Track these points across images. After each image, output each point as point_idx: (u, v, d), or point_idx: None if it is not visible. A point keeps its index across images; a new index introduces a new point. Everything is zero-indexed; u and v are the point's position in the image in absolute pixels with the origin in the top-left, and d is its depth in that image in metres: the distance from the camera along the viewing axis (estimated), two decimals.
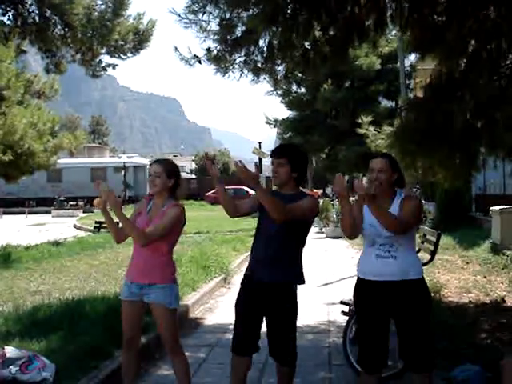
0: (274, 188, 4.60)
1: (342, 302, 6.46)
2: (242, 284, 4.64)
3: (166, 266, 4.56)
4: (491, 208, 14.78)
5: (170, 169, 4.58)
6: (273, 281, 4.37)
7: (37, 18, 15.08)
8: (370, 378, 4.40)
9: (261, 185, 4.20)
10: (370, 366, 4.37)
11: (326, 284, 10.88)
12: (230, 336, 7.18)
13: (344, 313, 6.35)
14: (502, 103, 6.91)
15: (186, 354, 4.78)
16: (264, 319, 4.52)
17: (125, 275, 4.70)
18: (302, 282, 4.54)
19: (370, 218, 4.23)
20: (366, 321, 4.38)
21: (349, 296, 6.54)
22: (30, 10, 15.14)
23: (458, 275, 10.98)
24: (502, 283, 10.02)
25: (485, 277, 10.69)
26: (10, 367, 4.80)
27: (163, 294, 4.46)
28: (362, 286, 4.39)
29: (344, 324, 6.09)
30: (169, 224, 4.42)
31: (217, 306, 9.38)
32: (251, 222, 17.71)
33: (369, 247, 4.31)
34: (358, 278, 4.43)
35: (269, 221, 4.26)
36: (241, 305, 4.55)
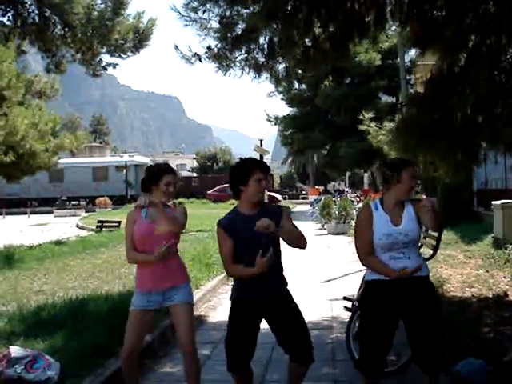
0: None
1: (345, 298, 6.48)
2: (234, 308, 4.59)
3: (181, 265, 4.71)
4: (493, 202, 14.78)
5: (178, 177, 4.75)
6: (276, 289, 4.42)
7: (36, 18, 15.08)
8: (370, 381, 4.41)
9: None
10: (371, 370, 4.37)
11: (329, 280, 10.89)
12: None
13: (347, 308, 6.37)
14: (502, 98, 6.92)
15: None
16: (273, 329, 4.51)
17: (137, 286, 4.64)
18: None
19: (385, 228, 4.22)
20: (374, 323, 4.32)
21: (352, 292, 6.57)
22: (30, 10, 15.14)
23: (460, 270, 10.99)
24: (504, 277, 10.02)
25: (487, 271, 10.70)
26: (15, 366, 4.82)
27: (188, 292, 4.62)
28: (375, 286, 4.34)
29: (347, 320, 6.11)
30: (185, 220, 4.64)
31: (220, 303, 9.39)
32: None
33: (383, 253, 4.24)
34: (369, 281, 4.39)
35: (258, 244, 4.22)
36: (241, 328, 4.51)
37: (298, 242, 4.35)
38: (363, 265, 4.41)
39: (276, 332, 4.48)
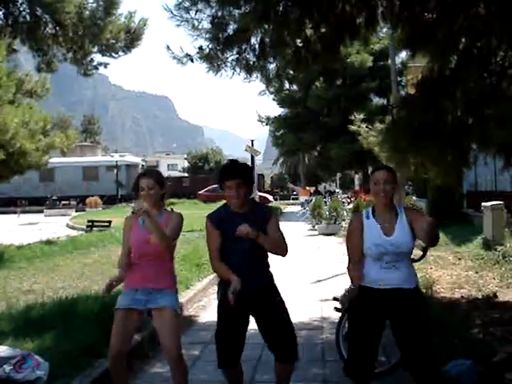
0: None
1: (335, 299, 6.48)
2: (223, 301, 4.51)
3: (171, 273, 4.67)
4: (483, 204, 14.83)
5: (160, 179, 4.64)
6: (260, 286, 4.46)
7: (28, 17, 15.03)
8: None
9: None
10: (359, 375, 4.37)
11: (319, 281, 10.90)
12: None
13: (337, 309, 6.38)
14: (492, 100, 6.95)
15: None
16: (258, 326, 4.56)
17: (124, 286, 4.63)
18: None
19: (375, 238, 4.22)
20: (360, 329, 4.34)
21: (342, 292, 6.58)
22: (21, 9, 15.09)
23: (450, 271, 11.03)
24: (493, 278, 10.07)
25: (477, 272, 10.74)
26: (4, 366, 4.79)
27: (172, 298, 4.54)
28: (364, 294, 4.33)
29: (337, 320, 6.12)
30: (179, 229, 4.59)
31: (210, 303, 9.38)
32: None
33: (373, 261, 4.25)
34: (360, 286, 4.37)
35: (242, 241, 4.31)
36: (230, 323, 4.53)
37: (278, 250, 4.46)
38: (349, 275, 4.44)
39: (261, 328, 4.52)
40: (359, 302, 4.39)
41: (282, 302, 4.56)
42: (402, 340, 4.28)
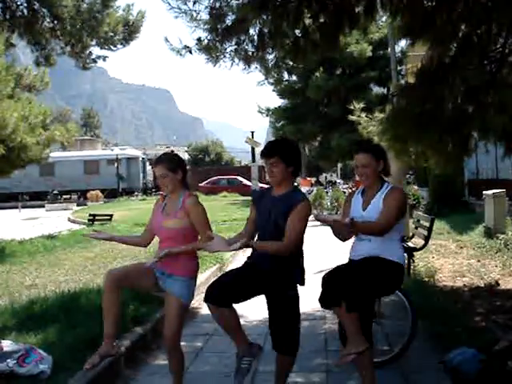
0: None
1: None
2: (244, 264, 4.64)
3: (188, 259, 4.55)
4: (484, 192, 14.83)
5: (173, 164, 4.51)
6: (274, 268, 4.38)
7: (25, 11, 14.97)
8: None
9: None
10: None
11: (322, 271, 10.85)
12: None
13: None
14: (492, 87, 6.92)
15: (183, 343, 4.80)
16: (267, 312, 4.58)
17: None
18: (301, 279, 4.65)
19: (354, 211, 4.60)
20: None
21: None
22: (19, 3, 15.02)
23: (452, 259, 11.03)
24: (495, 267, 10.07)
25: (479, 261, 10.74)
26: (8, 360, 4.81)
27: (179, 286, 4.47)
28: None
29: None
30: (206, 218, 4.52)
31: None
32: (245, 212, 17.72)
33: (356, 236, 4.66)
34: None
35: (264, 219, 4.44)
36: (237, 269, 4.65)
37: (278, 253, 4.35)
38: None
39: (269, 312, 4.56)
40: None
41: (296, 297, 4.54)
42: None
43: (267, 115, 41.99)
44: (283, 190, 4.42)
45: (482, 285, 8.63)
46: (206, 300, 4.35)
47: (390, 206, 4.44)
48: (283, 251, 4.29)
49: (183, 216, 4.43)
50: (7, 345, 5.02)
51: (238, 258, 11.76)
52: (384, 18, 18.56)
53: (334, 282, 4.53)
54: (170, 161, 4.53)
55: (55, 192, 45.28)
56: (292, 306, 4.51)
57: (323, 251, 13.88)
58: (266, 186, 45.45)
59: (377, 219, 4.44)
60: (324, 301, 4.60)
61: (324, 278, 4.64)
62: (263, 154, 4.42)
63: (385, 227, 4.41)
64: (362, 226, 4.44)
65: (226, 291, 4.28)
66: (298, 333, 4.56)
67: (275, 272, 4.37)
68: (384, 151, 4.70)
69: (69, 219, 28.50)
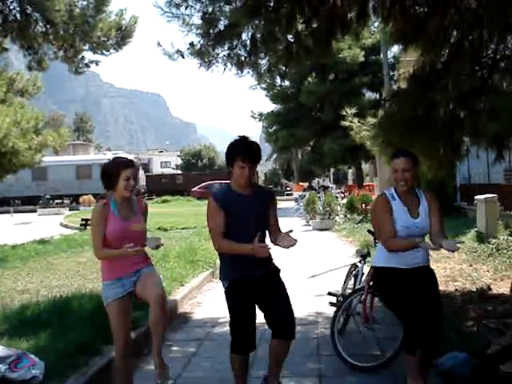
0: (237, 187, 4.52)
1: (330, 294, 6.50)
2: (233, 289, 4.54)
3: (146, 253, 4.75)
4: (476, 197, 14.87)
5: (138, 168, 4.80)
6: (266, 270, 4.52)
7: (18, 16, 14.93)
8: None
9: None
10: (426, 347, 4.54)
11: (314, 276, 10.92)
12: (219, 330, 7.25)
13: (332, 304, 6.40)
14: (484, 93, 6.96)
15: (175, 348, 4.81)
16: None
17: (106, 278, 4.64)
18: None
19: (404, 220, 4.43)
20: (409, 306, 4.50)
21: (336, 287, 6.59)
22: (11, 8, 14.97)
23: (444, 264, 11.06)
24: (487, 271, 10.11)
25: (471, 265, 10.78)
26: (0, 366, 4.79)
27: (153, 268, 4.75)
28: (389, 275, 4.57)
29: (332, 315, 6.14)
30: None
31: (205, 300, 9.39)
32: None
33: None
34: (382, 268, 4.64)
35: (244, 217, 4.41)
36: (240, 309, 4.54)
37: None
38: (388, 250, 4.52)
39: (262, 307, 4.56)
40: (393, 284, 4.58)
41: (282, 282, 4.64)
42: (426, 314, 4.45)
43: (260, 120, 42.07)
44: (250, 188, 4.51)
45: (474, 289, 8.65)
46: (238, 352, 4.56)
47: (440, 212, 4.56)
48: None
49: (142, 218, 4.67)
50: None
51: None
52: (376, 24, 18.67)
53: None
54: (135, 165, 4.65)
55: (47, 197, 45.13)
56: (283, 288, 4.63)
57: (315, 257, 13.90)
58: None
59: (438, 230, 4.49)
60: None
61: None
62: (248, 157, 4.37)
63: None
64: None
65: (252, 336, 4.55)
66: (294, 314, 4.68)
67: (266, 272, 4.51)
68: (418, 158, 4.72)
69: (61, 224, 28.42)
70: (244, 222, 4.39)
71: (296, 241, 4.29)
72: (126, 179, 4.47)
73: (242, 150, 4.40)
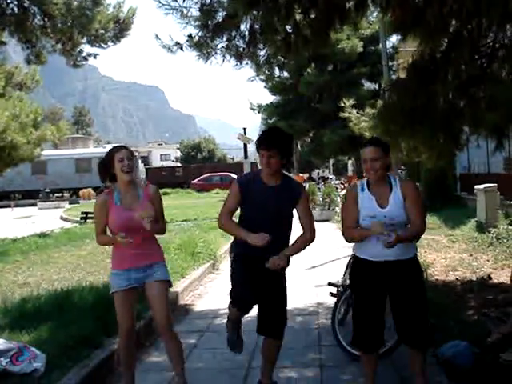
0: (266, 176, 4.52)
1: (330, 284, 6.50)
2: (237, 258, 4.57)
3: (159, 245, 4.77)
4: (476, 187, 14.87)
5: (132, 151, 4.69)
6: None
7: (16, 9, 14.89)
8: (370, 357, 4.52)
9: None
10: (367, 346, 4.49)
11: (314, 267, 10.93)
12: (220, 321, 7.27)
13: (332, 294, 6.40)
14: (483, 82, 6.94)
15: None
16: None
17: (115, 267, 4.65)
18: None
19: (370, 210, 4.29)
20: (364, 300, 4.45)
21: (337, 278, 6.59)
22: (9, 1, 14.94)
23: (444, 254, 11.07)
24: (487, 260, 10.12)
25: (471, 255, 10.79)
26: (1, 359, 4.80)
27: (164, 270, 4.66)
28: (362, 266, 4.45)
29: (332, 305, 6.14)
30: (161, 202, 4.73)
31: (206, 291, 9.41)
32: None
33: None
34: (357, 258, 4.49)
35: (260, 207, 4.41)
36: (243, 272, 4.52)
37: (306, 244, 4.62)
38: (346, 240, 4.49)
39: (258, 294, 4.52)
40: (360, 276, 4.48)
41: (284, 278, 4.66)
42: (399, 308, 4.38)
43: (259, 112, 41.97)
44: (278, 180, 4.51)
45: (475, 279, 8.67)
46: (234, 306, 4.58)
47: (418, 202, 4.34)
48: (310, 242, 4.62)
49: (149, 205, 4.55)
50: (0, 343, 5.01)
51: None
52: (375, 14, 18.62)
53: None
54: (131, 149, 4.69)
55: (47, 190, 45.16)
56: (285, 291, 4.66)
57: (315, 247, 13.89)
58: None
59: (413, 220, 4.26)
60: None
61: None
62: (263, 144, 4.41)
63: (424, 227, 4.33)
64: (407, 236, 4.22)
65: (249, 297, 4.49)
66: (285, 316, 4.71)
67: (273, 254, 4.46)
68: (389, 146, 4.63)
69: (61, 217, 28.44)
70: (260, 211, 4.40)
71: (283, 264, 4.36)
72: (120, 161, 4.50)
73: (260, 138, 4.50)
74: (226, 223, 4.51)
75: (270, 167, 4.40)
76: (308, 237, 4.56)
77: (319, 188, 24.16)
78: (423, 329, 4.35)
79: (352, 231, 4.37)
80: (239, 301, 4.52)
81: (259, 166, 4.54)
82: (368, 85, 38.15)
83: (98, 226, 4.67)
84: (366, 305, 4.42)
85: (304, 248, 4.59)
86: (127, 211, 4.49)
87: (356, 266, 4.55)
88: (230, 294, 4.57)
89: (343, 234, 4.48)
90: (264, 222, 4.37)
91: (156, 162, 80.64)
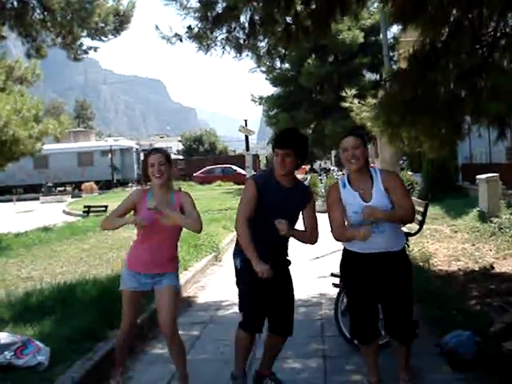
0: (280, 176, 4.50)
1: (333, 275, 6.50)
2: (246, 264, 4.48)
3: (176, 261, 4.79)
4: (477, 176, 14.85)
5: (169, 156, 4.67)
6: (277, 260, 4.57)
7: (15, 3, 14.86)
8: (369, 348, 4.55)
9: None
10: (364, 337, 4.52)
11: (317, 258, 10.93)
12: (222, 313, 7.29)
13: (335, 285, 6.40)
14: (484, 71, 6.92)
15: (180, 332, 4.82)
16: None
17: (128, 266, 4.68)
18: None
19: (354, 206, 4.31)
20: (355, 292, 4.49)
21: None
22: None
23: (446, 244, 11.06)
24: (490, 250, 10.11)
25: (473, 245, 10.78)
26: (5, 353, 4.81)
27: (175, 278, 4.69)
28: (349, 258, 4.49)
29: (335, 296, 6.16)
30: (195, 209, 4.66)
31: (209, 283, 9.42)
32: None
33: (357, 226, 4.27)
34: (347, 251, 4.52)
35: (275, 208, 4.40)
36: (253, 284, 4.45)
37: (307, 242, 4.69)
38: (335, 239, 4.51)
39: (267, 295, 4.52)
40: (349, 268, 4.52)
41: (291, 279, 4.71)
42: (387, 302, 4.42)
43: (260, 104, 41.86)
44: (291, 182, 4.55)
45: (477, 268, 8.67)
46: (247, 330, 4.56)
47: (402, 189, 4.37)
48: (311, 242, 4.71)
49: (178, 212, 4.55)
50: (4, 337, 5.02)
51: (233, 247, 11.77)
52: (375, 4, 18.53)
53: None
54: (167, 153, 4.71)
55: (49, 184, 45.18)
56: (290, 287, 4.69)
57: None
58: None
59: (399, 206, 4.25)
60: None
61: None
62: (279, 143, 4.42)
63: (412, 211, 4.35)
64: (393, 213, 4.22)
65: (262, 316, 4.55)
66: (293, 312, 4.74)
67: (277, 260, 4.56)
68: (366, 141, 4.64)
69: (64, 211, 28.46)
70: (272, 209, 4.38)
71: (286, 232, 4.34)
72: (151, 166, 4.54)
73: (276, 137, 4.56)
74: (243, 233, 4.43)
75: (284, 166, 4.40)
76: (311, 237, 4.63)
77: (321, 179, 24.13)
78: (408, 322, 4.41)
79: (341, 233, 4.40)
80: (249, 317, 4.51)
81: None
82: (369, 75, 38.04)
83: (117, 208, 4.67)
84: (357, 297, 4.47)
85: (303, 242, 4.65)
86: (154, 213, 4.48)
87: (345, 258, 4.56)
88: (240, 309, 4.61)
89: (332, 233, 4.49)
90: (271, 222, 4.35)
91: None
